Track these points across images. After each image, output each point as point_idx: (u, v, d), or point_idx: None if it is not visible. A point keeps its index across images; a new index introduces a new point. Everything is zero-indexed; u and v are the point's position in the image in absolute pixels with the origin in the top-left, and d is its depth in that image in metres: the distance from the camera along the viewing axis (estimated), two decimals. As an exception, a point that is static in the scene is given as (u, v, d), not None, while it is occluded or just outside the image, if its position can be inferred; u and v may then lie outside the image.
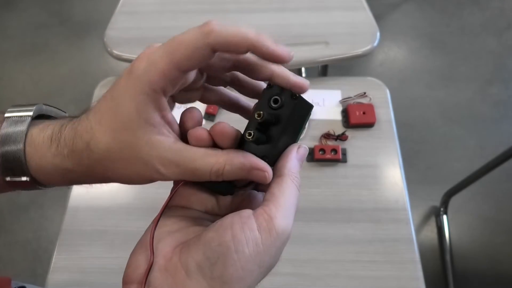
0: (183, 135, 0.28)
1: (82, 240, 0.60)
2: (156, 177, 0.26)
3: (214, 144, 0.27)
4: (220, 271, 0.23)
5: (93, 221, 0.62)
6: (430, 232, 1.30)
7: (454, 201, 1.28)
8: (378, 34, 0.77)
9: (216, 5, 0.85)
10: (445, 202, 1.29)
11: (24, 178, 0.27)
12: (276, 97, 0.26)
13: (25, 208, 1.38)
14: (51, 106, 0.31)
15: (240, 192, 0.30)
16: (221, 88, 0.30)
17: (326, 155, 0.66)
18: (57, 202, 1.33)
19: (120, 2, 0.86)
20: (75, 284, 0.57)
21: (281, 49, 0.25)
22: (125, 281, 0.25)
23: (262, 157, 0.26)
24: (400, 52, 1.75)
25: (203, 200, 0.29)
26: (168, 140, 0.25)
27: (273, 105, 0.26)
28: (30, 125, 0.28)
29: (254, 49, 0.24)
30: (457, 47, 1.75)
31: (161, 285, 0.24)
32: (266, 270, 0.25)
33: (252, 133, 0.25)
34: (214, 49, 0.24)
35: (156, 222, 0.27)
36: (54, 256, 0.59)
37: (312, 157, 0.66)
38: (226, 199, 0.30)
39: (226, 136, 0.26)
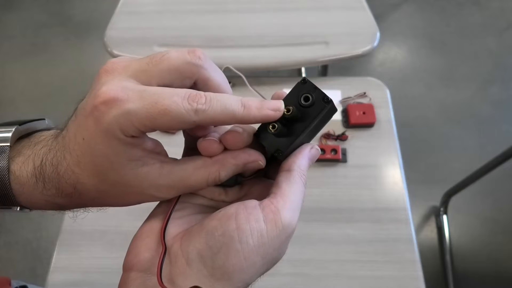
0: (189, 141, 0.28)
1: (82, 240, 0.60)
2: (155, 200, 0.26)
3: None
4: (222, 261, 0.23)
5: (93, 221, 0.62)
6: (430, 232, 1.30)
7: (454, 201, 1.28)
8: (378, 34, 0.77)
9: (216, 5, 0.85)
10: (445, 202, 1.29)
11: (15, 208, 0.27)
12: (307, 95, 0.26)
13: (25, 208, 1.37)
14: (27, 122, 0.29)
15: (249, 181, 0.30)
16: None
17: (326, 155, 0.66)
18: (57, 202, 1.33)
19: (120, 2, 0.86)
20: (75, 284, 0.57)
21: (268, 111, 0.24)
22: (125, 268, 0.25)
23: (276, 151, 0.26)
24: (400, 52, 1.75)
25: (210, 187, 0.28)
26: (155, 168, 0.24)
27: (303, 103, 0.26)
28: (10, 158, 0.26)
29: (241, 122, 0.24)
30: (457, 47, 1.75)
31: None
32: (270, 262, 0.25)
33: (276, 126, 0.25)
34: (198, 124, 0.23)
35: (166, 219, 0.26)
36: (54, 256, 0.59)
37: (312, 157, 0.66)
38: (235, 187, 0.29)
39: (239, 146, 0.26)
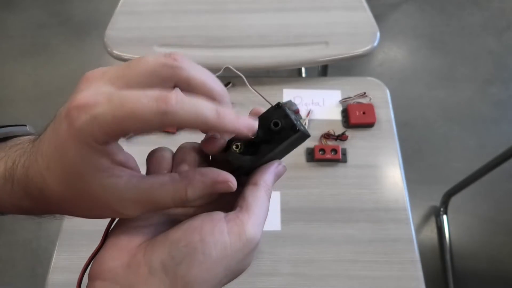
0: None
1: (82, 240, 0.60)
2: (120, 217, 0.26)
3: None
4: (184, 272, 0.23)
5: (93, 221, 0.61)
6: (430, 232, 1.30)
7: (454, 201, 1.28)
8: (378, 34, 0.77)
9: (216, 5, 0.85)
10: (445, 202, 1.29)
11: None
12: (277, 121, 0.26)
13: (25, 208, 1.37)
14: (6, 126, 0.29)
15: None
16: None
17: (326, 155, 0.66)
18: (57, 202, 1.33)
19: (120, 2, 0.86)
20: (75, 284, 0.57)
21: (240, 127, 0.24)
22: (90, 277, 0.25)
23: (239, 167, 0.27)
24: (400, 52, 1.75)
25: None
26: (121, 181, 0.24)
27: (273, 127, 0.26)
28: None
29: (214, 131, 0.24)
30: (457, 47, 1.75)
31: (123, 282, 0.24)
32: (232, 274, 0.25)
33: (240, 146, 0.26)
34: (167, 126, 0.22)
35: (96, 250, 0.27)
36: (54, 256, 0.59)
37: (312, 157, 0.66)
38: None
39: (187, 163, 0.26)
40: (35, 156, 0.24)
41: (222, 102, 0.25)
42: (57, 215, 0.27)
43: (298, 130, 0.26)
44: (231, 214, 0.25)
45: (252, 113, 0.28)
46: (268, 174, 0.27)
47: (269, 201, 0.27)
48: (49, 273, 0.58)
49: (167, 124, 0.22)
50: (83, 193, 0.23)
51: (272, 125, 0.26)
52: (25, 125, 0.31)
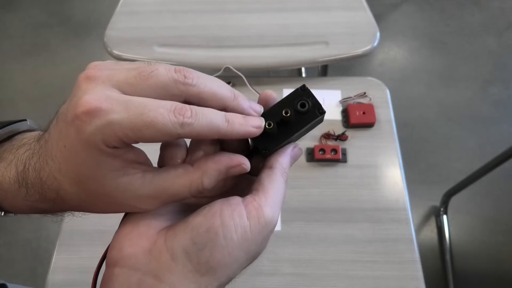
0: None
1: (82, 240, 0.60)
2: (138, 211, 0.25)
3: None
4: (207, 257, 0.23)
5: (93, 221, 0.62)
6: (430, 232, 1.30)
7: (454, 201, 1.28)
8: (378, 34, 0.77)
9: (216, 5, 0.85)
10: (445, 202, 1.29)
11: None
12: (304, 102, 0.27)
13: (25, 208, 1.37)
14: (7, 125, 0.29)
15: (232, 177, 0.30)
16: None
17: (326, 155, 0.66)
18: (57, 202, 1.33)
19: (120, 2, 0.86)
20: (75, 284, 0.57)
21: (250, 128, 0.24)
22: (108, 264, 0.25)
23: (264, 148, 0.27)
24: (400, 52, 1.75)
25: None
26: (136, 178, 0.24)
27: (299, 108, 0.27)
28: None
29: (224, 137, 0.24)
30: (457, 47, 1.75)
31: (145, 268, 0.24)
32: (252, 257, 0.25)
33: (272, 124, 0.26)
34: (181, 137, 0.23)
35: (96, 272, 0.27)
36: (54, 256, 0.59)
37: (312, 157, 0.66)
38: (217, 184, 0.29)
39: (203, 149, 0.26)
40: (45, 158, 0.24)
41: (234, 105, 0.25)
42: (74, 212, 0.27)
43: (324, 112, 0.27)
44: (248, 197, 0.25)
45: (262, 97, 0.28)
46: (283, 157, 0.27)
47: (285, 183, 0.27)
48: (49, 273, 0.58)
49: (183, 135, 0.22)
50: (98, 193, 0.23)
51: (299, 106, 0.27)
52: (25, 120, 0.30)
